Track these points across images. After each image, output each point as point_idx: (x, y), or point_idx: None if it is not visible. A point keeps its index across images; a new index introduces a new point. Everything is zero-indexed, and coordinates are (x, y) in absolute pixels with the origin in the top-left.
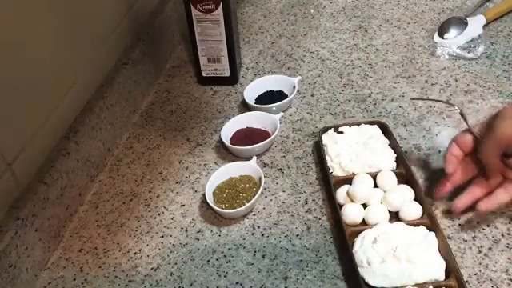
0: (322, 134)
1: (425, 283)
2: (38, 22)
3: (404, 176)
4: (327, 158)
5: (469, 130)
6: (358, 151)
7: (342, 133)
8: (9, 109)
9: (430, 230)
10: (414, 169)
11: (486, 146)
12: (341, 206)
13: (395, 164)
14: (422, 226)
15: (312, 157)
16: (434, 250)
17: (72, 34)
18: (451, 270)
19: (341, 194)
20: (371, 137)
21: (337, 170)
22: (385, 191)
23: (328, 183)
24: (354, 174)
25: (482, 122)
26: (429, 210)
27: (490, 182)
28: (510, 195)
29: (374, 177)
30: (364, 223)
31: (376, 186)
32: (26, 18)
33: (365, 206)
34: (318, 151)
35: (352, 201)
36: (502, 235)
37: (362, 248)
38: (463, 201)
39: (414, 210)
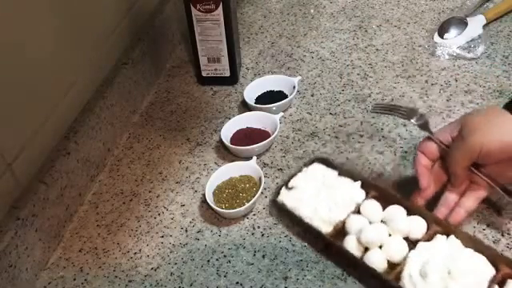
0: (277, 197)
1: (491, 285)
2: (38, 22)
3: (380, 197)
4: (306, 220)
5: (432, 139)
6: (327, 196)
7: (292, 188)
8: (9, 109)
9: (447, 236)
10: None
11: (455, 157)
12: (356, 258)
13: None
14: (438, 235)
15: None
16: (468, 250)
17: (72, 34)
18: (495, 259)
19: (350, 246)
20: (323, 175)
21: (324, 226)
22: (384, 222)
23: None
24: (341, 222)
25: (444, 128)
26: (432, 217)
27: (460, 188)
28: (476, 199)
29: (358, 212)
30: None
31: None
32: (26, 18)
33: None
34: (284, 213)
35: (367, 248)
36: (502, 235)
37: None
38: (440, 215)
39: (420, 224)
